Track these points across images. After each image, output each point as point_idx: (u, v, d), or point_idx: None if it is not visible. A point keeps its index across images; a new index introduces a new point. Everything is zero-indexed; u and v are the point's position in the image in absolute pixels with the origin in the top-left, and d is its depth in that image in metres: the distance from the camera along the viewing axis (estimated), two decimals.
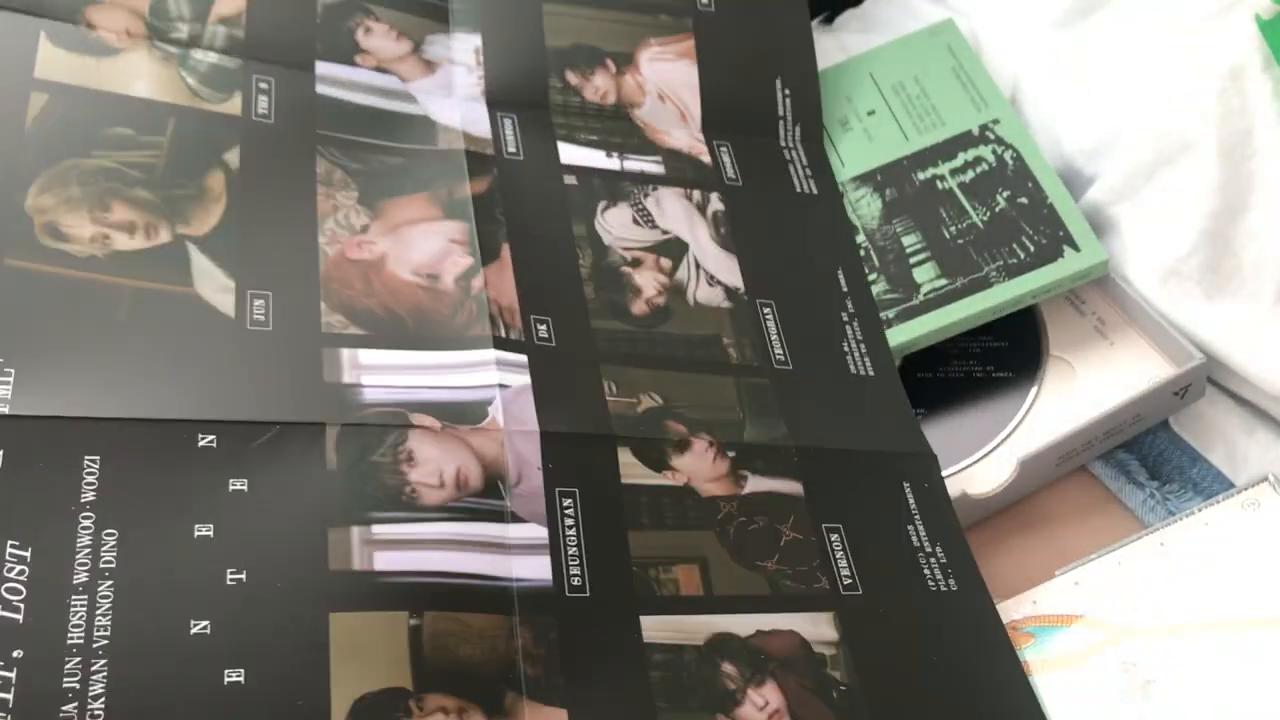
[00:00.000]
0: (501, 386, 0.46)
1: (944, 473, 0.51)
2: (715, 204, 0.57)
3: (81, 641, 0.35)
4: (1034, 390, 0.54)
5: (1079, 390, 0.53)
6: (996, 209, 0.56)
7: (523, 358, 0.48)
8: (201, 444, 0.41)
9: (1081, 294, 0.56)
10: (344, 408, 0.44)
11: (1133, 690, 0.44)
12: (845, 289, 0.55)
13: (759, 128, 0.60)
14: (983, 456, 0.52)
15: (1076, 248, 0.54)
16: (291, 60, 0.52)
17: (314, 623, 0.38)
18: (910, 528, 0.48)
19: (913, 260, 0.56)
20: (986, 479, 0.51)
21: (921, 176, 0.58)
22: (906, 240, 0.56)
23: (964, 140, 0.58)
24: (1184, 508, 0.50)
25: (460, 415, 0.45)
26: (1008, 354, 0.56)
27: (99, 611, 0.36)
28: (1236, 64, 0.48)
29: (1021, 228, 0.55)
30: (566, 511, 0.44)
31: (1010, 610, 0.47)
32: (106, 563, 0.37)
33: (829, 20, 0.72)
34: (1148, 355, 0.54)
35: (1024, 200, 0.55)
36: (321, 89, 0.52)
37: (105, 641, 0.36)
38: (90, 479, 0.39)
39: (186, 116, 0.49)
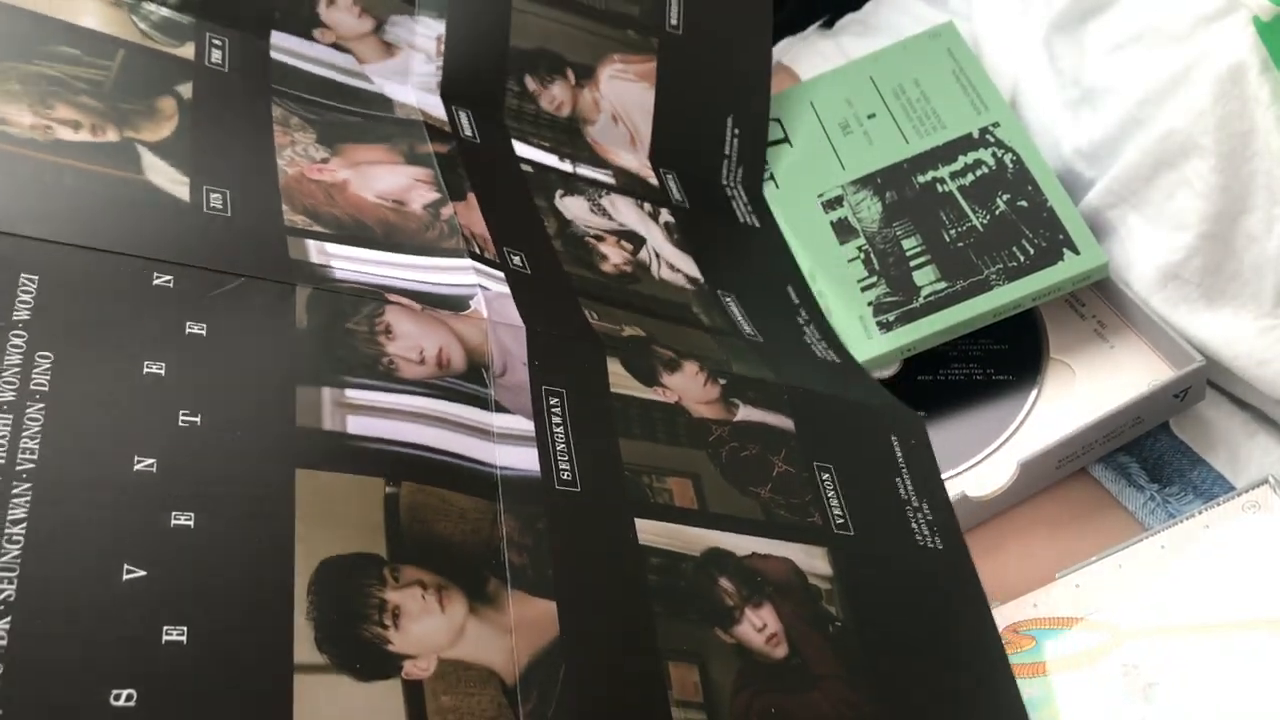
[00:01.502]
0: (482, 288, 0.44)
1: (944, 475, 0.51)
2: (666, 216, 0.57)
3: (2, 462, 0.32)
4: (1034, 393, 0.54)
5: (1079, 393, 0.54)
6: (996, 212, 0.56)
7: (500, 274, 0.46)
8: (157, 282, 0.38)
9: (1082, 297, 0.56)
10: (314, 278, 0.41)
11: (1134, 693, 0.44)
12: (796, 301, 0.56)
13: (703, 164, 0.60)
14: (983, 459, 0.52)
15: (1076, 251, 0.54)
16: (247, 25, 0.51)
17: (277, 476, 0.36)
18: (899, 480, 0.48)
19: (913, 263, 0.56)
20: (987, 481, 0.51)
21: (922, 179, 0.58)
22: (907, 243, 0.56)
23: (964, 143, 0.58)
24: (1184, 510, 0.50)
25: (441, 303, 0.43)
26: (1008, 357, 0.56)
27: (25, 434, 0.33)
28: (1235, 66, 0.48)
29: (1021, 231, 0.55)
30: (554, 409, 0.42)
31: (1011, 613, 0.47)
32: (38, 384, 0.34)
33: (829, 24, 0.72)
34: (1148, 358, 0.54)
35: (1024, 203, 0.56)
36: (276, 55, 0.51)
37: (31, 465, 0.33)
38: (25, 298, 0.36)
39: (137, 51, 0.47)
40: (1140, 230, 0.54)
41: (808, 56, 0.68)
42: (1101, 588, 0.47)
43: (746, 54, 0.61)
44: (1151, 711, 0.43)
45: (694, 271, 0.54)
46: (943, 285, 0.54)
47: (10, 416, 0.33)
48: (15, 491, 0.32)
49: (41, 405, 0.34)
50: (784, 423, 0.47)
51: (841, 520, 0.45)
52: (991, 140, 0.58)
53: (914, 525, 0.47)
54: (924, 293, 0.55)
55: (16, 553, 0.31)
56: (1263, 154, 0.49)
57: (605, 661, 0.38)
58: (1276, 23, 0.47)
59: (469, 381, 0.41)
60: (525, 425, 0.41)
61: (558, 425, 0.42)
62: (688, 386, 0.47)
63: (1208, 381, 0.53)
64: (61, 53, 0.45)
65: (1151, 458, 0.54)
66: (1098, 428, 0.51)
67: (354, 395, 0.39)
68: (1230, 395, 0.55)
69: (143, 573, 0.32)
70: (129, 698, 0.31)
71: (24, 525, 0.32)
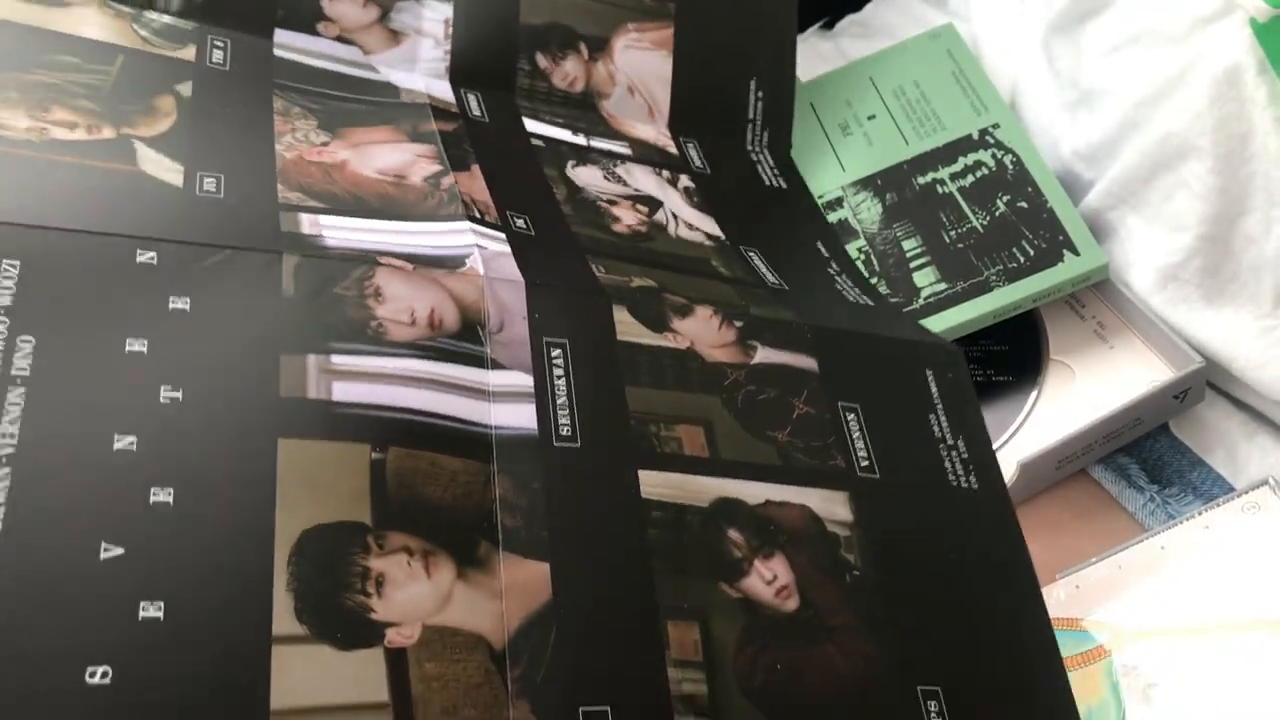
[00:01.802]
0: (479, 247, 0.43)
1: None
2: (685, 182, 0.55)
3: None
4: (1034, 394, 0.54)
5: (1079, 394, 0.54)
6: (996, 213, 0.56)
7: (501, 235, 0.45)
8: (140, 259, 0.37)
9: (1081, 298, 0.57)
10: (304, 246, 0.40)
11: (1134, 694, 0.44)
12: (827, 255, 0.55)
13: (726, 130, 0.58)
14: None
15: (1076, 252, 0.54)
16: (250, 26, 0.50)
17: (259, 447, 0.35)
18: (932, 416, 0.46)
19: (913, 264, 0.56)
20: None
21: (921, 181, 0.58)
22: (907, 244, 0.56)
23: (964, 145, 0.59)
24: (1184, 511, 0.50)
25: (435, 262, 0.42)
26: (1008, 358, 0.56)
27: (7, 419, 0.33)
28: (1232, 68, 0.48)
29: (1021, 232, 0.55)
30: (555, 361, 0.41)
31: None
32: (19, 369, 0.34)
33: (829, 25, 0.72)
34: (1147, 359, 0.54)
35: (1024, 204, 0.56)
36: (280, 53, 0.51)
37: (11, 450, 0.32)
38: (7, 283, 0.35)
39: (136, 56, 0.47)
40: (1139, 231, 0.54)
41: (807, 58, 0.68)
42: (1101, 588, 0.47)
43: (769, 11, 0.59)
44: (1151, 713, 0.43)
45: (715, 230, 0.52)
46: (943, 286, 0.55)
47: None
48: None
49: (22, 390, 0.34)
50: (806, 363, 0.45)
51: (866, 462, 0.43)
52: (991, 141, 0.58)
53: (947, 464, 0.45)
54: (924, 294, 0.55)
55: None
56: (1260, 156, 0.49)
57: (598, 623, 0.37)
58: (1273, 24, 0.47)
59: (463, 340, 0.40)
60: (523, 381, 0.40)
61: (559, 377, 0.41)
62: (700, 331, 0.45)
63: (1207, 382, 0.53)
64: (61, 61, 0.45)
65: (1151, 459, 0.54)
66: (1097, 429, 0.51)
67: (340, 361, 0.38)
68: (1229, 396, 0.55)
69: (120, 550, 0.32)
70: (104, 675, 0.30)
71: (1, 510, 0.32)
